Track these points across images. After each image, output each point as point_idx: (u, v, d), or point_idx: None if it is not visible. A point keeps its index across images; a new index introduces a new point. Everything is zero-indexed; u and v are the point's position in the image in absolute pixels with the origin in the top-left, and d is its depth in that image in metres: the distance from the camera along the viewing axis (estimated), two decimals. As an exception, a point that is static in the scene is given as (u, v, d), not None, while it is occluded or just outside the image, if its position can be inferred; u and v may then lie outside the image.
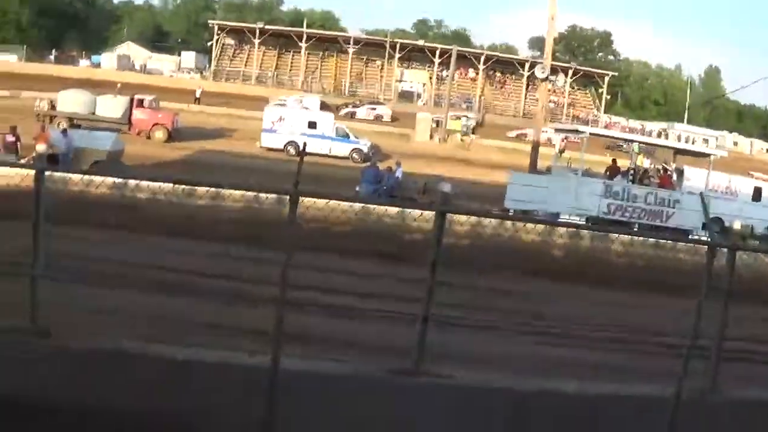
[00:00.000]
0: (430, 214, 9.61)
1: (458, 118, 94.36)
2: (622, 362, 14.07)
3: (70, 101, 63.87)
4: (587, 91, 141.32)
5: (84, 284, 14.85)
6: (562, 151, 53.17)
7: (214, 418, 7.86)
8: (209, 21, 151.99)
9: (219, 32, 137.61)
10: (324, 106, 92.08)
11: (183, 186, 20.31)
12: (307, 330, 12.49)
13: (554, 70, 65.33)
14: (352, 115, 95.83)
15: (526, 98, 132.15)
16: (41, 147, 15.94)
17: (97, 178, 18.29)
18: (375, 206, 25.83)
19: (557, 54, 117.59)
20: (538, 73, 52.41)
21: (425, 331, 8.55)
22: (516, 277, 22.06)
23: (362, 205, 24.78)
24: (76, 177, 13.96)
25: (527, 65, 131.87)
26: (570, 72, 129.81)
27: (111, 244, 20.06)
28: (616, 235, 30.54)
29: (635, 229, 36.79)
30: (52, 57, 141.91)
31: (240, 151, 57.69)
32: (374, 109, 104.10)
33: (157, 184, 20.31)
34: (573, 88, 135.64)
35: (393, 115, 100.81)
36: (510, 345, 15.45)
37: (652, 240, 26.35)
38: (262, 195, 21.58)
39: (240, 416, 7.89)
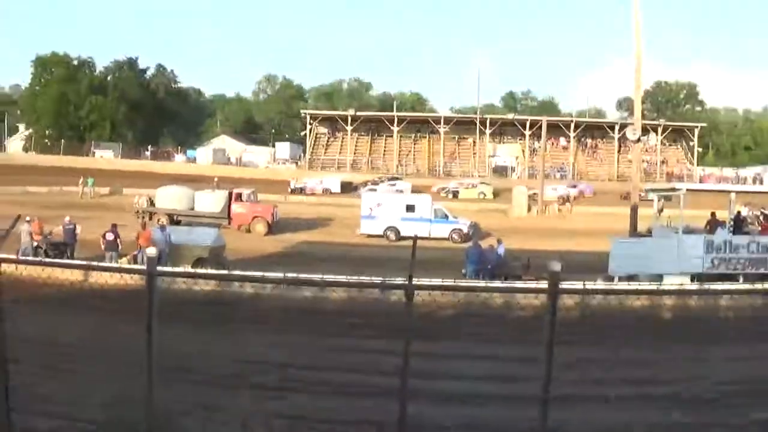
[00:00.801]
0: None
1: (554, 189, 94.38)
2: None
3: (169, 197, 65.03)
4: (678, 146, 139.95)
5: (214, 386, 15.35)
6: (660, 211, 52.83)
7: None
8: (301, 111, 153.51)
9: (311, 121, 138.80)
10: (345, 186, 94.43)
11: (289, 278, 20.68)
12: (435, 419, 12.75)
13: (645, 130, 65.18)
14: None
15: (618, 161, 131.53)
16: (152, 250, 16.69)
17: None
18: (483, 286, 25.86)
19: (645, 112, 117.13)
20: (630, 135, 52.19)
21: (546, 413, 8.65)
22: (637, 344, 21.92)
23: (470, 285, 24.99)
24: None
25: (617, 128, 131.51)
26: (659, 129, 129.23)
27: (223, 340, 20.51)
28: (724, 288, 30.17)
29: (740, 281, 36.54)
30: (147, 153, 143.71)
31: (340, 241, 58.21)
32: (394, 184, 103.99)
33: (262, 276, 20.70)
34: (664, 144, 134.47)
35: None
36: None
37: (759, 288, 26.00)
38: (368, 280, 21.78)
39: None
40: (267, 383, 16.33)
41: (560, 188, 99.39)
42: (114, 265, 36.64)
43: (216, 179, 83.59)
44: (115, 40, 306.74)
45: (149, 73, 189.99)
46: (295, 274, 22.03)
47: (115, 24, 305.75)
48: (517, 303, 24.68)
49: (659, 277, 37.20)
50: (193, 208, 63.66)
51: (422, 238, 57.51)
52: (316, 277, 17.39)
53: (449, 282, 27.50)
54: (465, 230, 61.49)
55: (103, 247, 41.58)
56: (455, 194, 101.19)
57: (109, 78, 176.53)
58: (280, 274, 21.85)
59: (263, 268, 33.43)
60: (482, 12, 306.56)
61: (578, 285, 24.54)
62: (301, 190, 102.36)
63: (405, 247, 55.27)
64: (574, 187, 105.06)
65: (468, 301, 21.89)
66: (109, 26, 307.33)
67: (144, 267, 10.69)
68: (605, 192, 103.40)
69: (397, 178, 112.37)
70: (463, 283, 32.95)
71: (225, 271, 34.09)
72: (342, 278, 16.90)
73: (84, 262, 30.96)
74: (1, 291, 9.92)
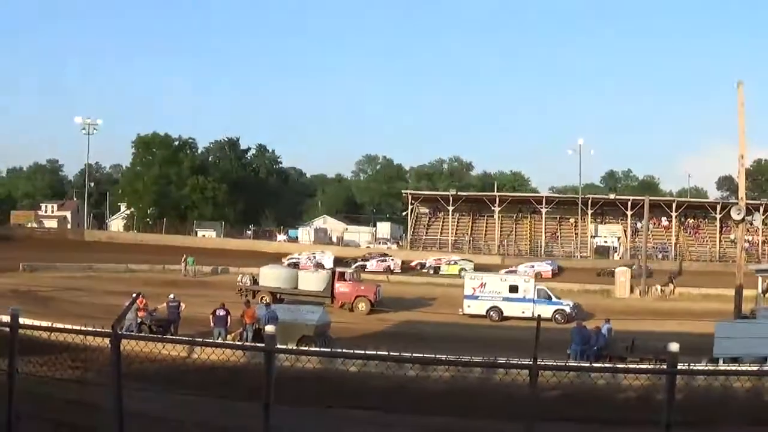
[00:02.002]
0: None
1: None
2: None
3: (273, 276, 65.40)
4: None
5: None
6: (765, 292, 51.74)
7: None
8: (402, 191, 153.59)
9: (413, 201, 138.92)
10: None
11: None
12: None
13: (747, 210, 64.22)
14: (363, 268, 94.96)
15: (720, 241, 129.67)
16: (270, 328, 16.60)
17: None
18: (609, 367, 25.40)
19: (746, 191, 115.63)
20: (734, 215, 51.68)
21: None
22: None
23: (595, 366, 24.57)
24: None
25: (718, 207, 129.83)
26: (761, 208, 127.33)
27: (328, 418, 20.30)
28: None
29: None
30: (249, 232, 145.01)
31: (443, 320, 57.74)
32: (384, 260, 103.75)
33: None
34: (766, 224, 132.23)
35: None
36: None
37: None
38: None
39: None
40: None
41: (537, 265, 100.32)
42: (236, 342, 37.03)
43: (314, 257, 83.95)
44: (217, 120, 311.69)
45: (250, 153, 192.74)
46: (398, 353, 21.81)
47: (216, 105, 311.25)
48: (628, 384, 24.21)
49: (764, 360, 36.45)
50: (296, 287, 63.83)
51: (525, 319, 57.19)
52: (439, 356, 17.10)
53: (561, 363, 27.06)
54: (568, 311, 60.88)
55: (212, 323, 41.82)
56: (436, 270, 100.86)
57: (210, 158, 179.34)
58: (384, 353, 21.59)
59: (367, 347, 33.30)
60: (581, 92, 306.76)
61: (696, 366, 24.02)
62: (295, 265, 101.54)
63: (508, 327, 54.98)
64: (549, 263, 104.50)
65: (580, 382, 21.55)
66: (211, 107, 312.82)
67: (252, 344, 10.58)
68: (706, 272, 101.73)
69: (386, 255, 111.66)
70: (586, 364, 32.46)
71: (329, 350, 33.93)
72: (453, 358, 16.53)
73: (200, 340, 31.14)
74: (120, 366, 9.90)
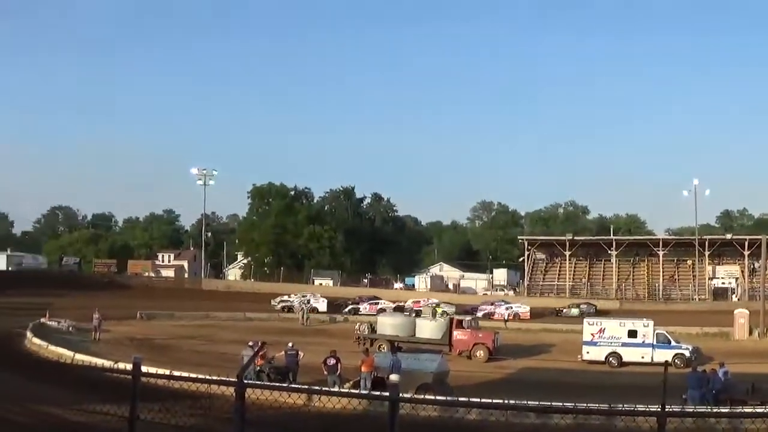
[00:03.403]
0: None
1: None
2: None
3: (390, 324, 65.29)
4: None
5: None
6: None
7: None
8: (518, 237, 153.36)
9: (529, 247, 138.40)
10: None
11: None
12: None
13: None
14: (356, 311, 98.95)
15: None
16: (394, 377, 16.24)
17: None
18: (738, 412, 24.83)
19: None
20: None
21: None
22: None
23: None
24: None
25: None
26: None
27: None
28: None
29: None
30: (366, 280, 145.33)
31: (561, 366, 57.09)
32: (376, 304, 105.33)
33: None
34: None
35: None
36: None
37: None
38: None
39: None
40: None
41: (515, 306, 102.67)
42: (352, 391, 37.05)
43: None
44: (331, 170, 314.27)
45: (366, 202, 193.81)
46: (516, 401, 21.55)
47: (330, 155, 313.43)
48: (756, 429, 23.48)
49: None
50: (414, 335, 63.65)
51: (644, 364, 56.26)
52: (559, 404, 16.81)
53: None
54: (687, 354, 59.74)
55: (325, 372, 41.80)
56: (417, 313, 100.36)
57: (326, 207, 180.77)
58: (503, 401, 21.36)
59: (486, 395, 32.96)
60: (694, 132, 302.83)
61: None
62: (288, 309, 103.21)
63: (627, 373, 54.11)
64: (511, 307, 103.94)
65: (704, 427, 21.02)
66: (326, 157, 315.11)
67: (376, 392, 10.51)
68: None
69: (377, 298, 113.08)
70: (715, 409, 31.80)
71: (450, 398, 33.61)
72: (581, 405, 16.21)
73: (324, 389, 31.21)
74: (244, 413, 9.87)
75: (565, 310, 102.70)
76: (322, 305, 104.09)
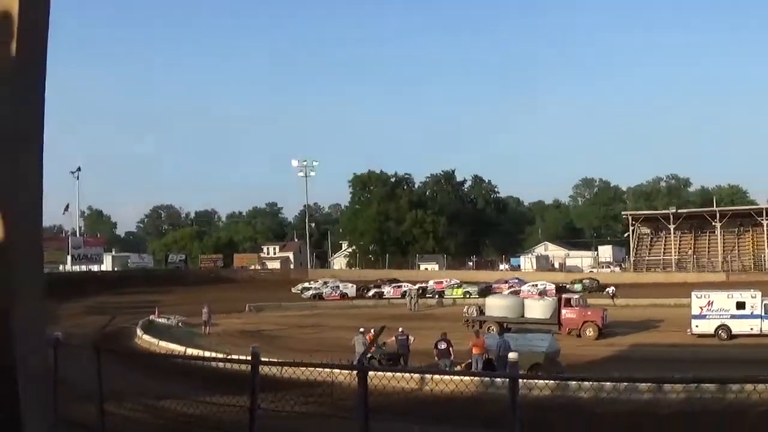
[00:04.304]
0: None
1: None
2: None
3: (499, 305, 65.23)
4: None
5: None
6: None
7: None
8: (622, 212, 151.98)
9: (633, 222, 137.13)
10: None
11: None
12: None
13: None
14: (380, 295, 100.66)
15: None
16: (513, 355, 16.32)
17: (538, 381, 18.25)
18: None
19: None
20: None
21: None
22: None
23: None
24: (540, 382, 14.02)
25: None
26: None
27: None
28: None
29: None
30: (471, 263, 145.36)
31: (671, 341, 56.51)
32: (400, 287, 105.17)
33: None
34: None
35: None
36: None
37: None
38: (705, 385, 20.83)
39: None
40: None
41: (540, 284, 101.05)
42: (474, 371, 37.13)
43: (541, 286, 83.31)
44: (430, 155, 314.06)
45: (467, 185, 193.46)
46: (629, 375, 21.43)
47: (429, 140, 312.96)
48: None
49: None
50: (522, 315, 63.48)
51: (753, 336, 55.60)
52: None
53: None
54: (797, 324, 58.81)
55: (435, 356, 41.82)
56: (440, 294, 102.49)
57: (427, 192, 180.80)
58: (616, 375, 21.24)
59: (598, 372, 32.81)
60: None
61: None
62: (320, 296, 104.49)
63: (737, 345, 53.47)
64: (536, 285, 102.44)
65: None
66: (423, 143, 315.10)
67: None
68: None
69: (397, 281, 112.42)
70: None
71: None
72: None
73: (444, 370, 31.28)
74: (367, 398, 9.97)
75: (568, 286, 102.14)
76: (351, 290, 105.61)
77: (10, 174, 7.51)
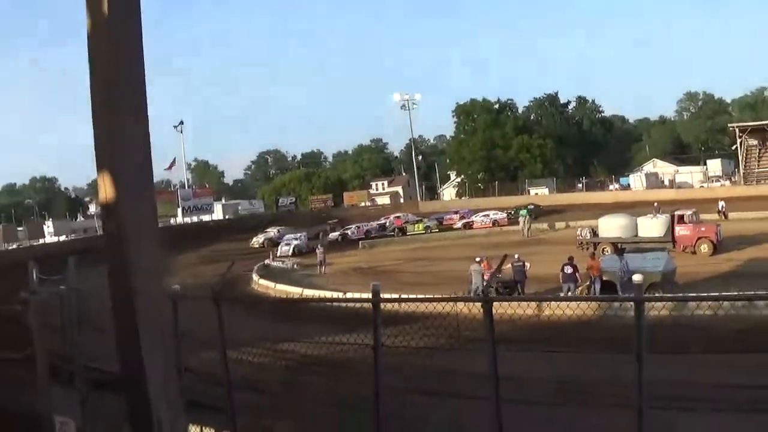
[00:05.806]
0: None
1: None
2: None
3: (611, 226, 64.96)
4: None
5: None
6: None
7: None
8: (728, 125, 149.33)
9: (740, 134, 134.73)
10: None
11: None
12: None
13: None
14: (344, 237, 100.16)
15: None
16: (638, 277, 16.54)
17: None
18: None
19: None
20: None
21: None
22: None
23: None
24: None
25: None
26: None
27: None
28: None
29: None
30: (580, 185, 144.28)
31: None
32: (359, 227, 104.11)
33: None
34: None
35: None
36: None
37: None
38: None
39: None
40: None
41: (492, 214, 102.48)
42: (598, 296, 37.16)
43: (656, 204, 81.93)
44: (532, 79, 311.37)
45: (571, 106, 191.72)
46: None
47: (528, 63, 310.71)
48: None
49: None
50: (636, 235, 63.17)
51: None
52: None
53: None
54: None
55: (561, 280, 41.67)
56: (402, 230, 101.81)
57: (532, 116, 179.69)
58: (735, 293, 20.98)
59: (716, 289, 32.42)
60: None
61: None
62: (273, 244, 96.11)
63: None
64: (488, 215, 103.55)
65: None
66: (523, 67, 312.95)
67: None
68: None
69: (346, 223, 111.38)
70: None
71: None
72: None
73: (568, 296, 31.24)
74: (493, 329, 10.00)
75: (514, 211, 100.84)
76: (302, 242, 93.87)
77: (118, 133, 7.52)
